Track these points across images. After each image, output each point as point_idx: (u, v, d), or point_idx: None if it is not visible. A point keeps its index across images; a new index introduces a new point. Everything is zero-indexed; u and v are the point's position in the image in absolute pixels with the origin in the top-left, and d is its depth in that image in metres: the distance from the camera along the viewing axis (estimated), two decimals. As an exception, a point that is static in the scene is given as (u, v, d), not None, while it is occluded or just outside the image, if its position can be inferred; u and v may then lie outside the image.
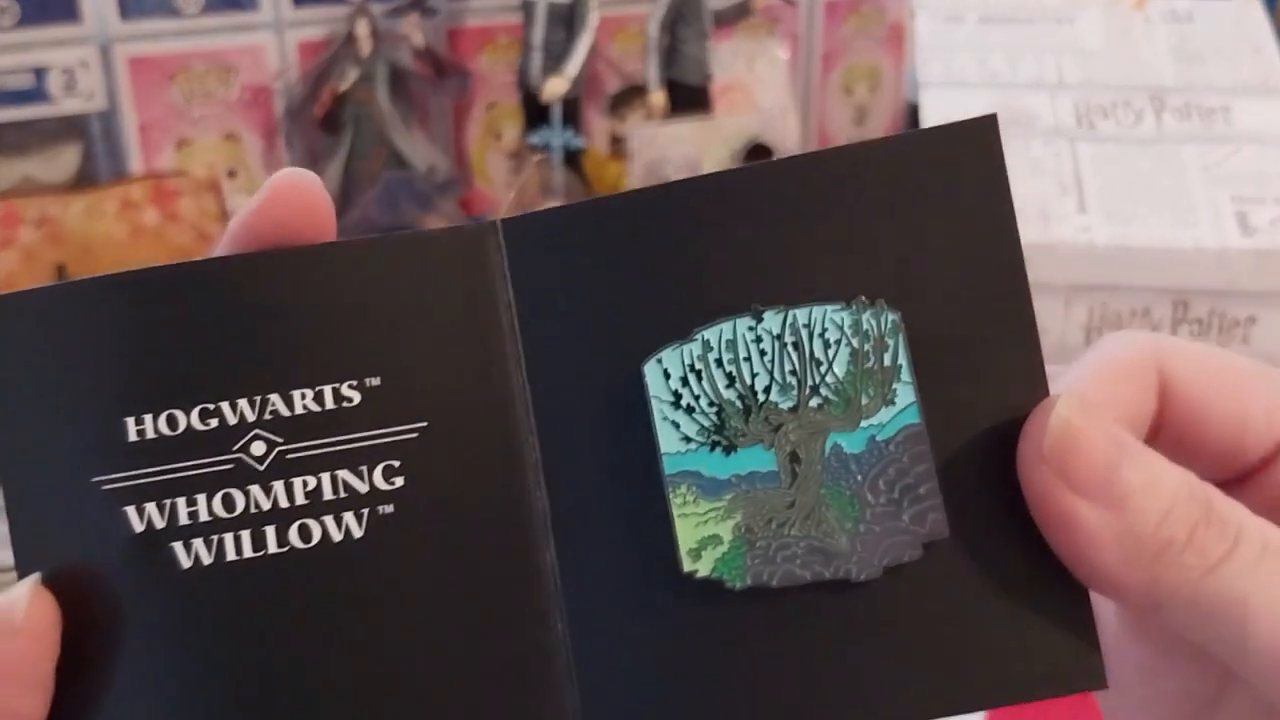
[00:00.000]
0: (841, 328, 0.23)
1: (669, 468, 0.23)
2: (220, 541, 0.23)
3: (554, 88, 0.87)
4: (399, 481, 0.23)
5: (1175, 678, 0.26)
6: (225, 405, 0.23)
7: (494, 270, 0.24)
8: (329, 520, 0.23)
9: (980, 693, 0.23)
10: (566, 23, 0.87)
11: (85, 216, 0.81)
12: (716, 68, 0.91)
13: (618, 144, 0.94)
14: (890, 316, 0.23)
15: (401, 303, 0.24)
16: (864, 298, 0.23)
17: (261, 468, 0.23)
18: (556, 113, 0.88)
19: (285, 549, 0.23)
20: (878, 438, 0.23)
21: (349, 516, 0.23)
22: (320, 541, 0.23)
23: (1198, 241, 0.67)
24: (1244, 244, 0.67)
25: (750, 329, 0.23)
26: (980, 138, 0.23)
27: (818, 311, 0.23)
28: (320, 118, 0.87)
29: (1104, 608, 0.25)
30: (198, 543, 0.23)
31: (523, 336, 0.24)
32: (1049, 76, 0.76)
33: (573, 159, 0.90)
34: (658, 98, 0.90)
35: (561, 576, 0.23)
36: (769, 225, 0.24)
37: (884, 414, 0.23)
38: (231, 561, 0.23)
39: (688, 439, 0.23)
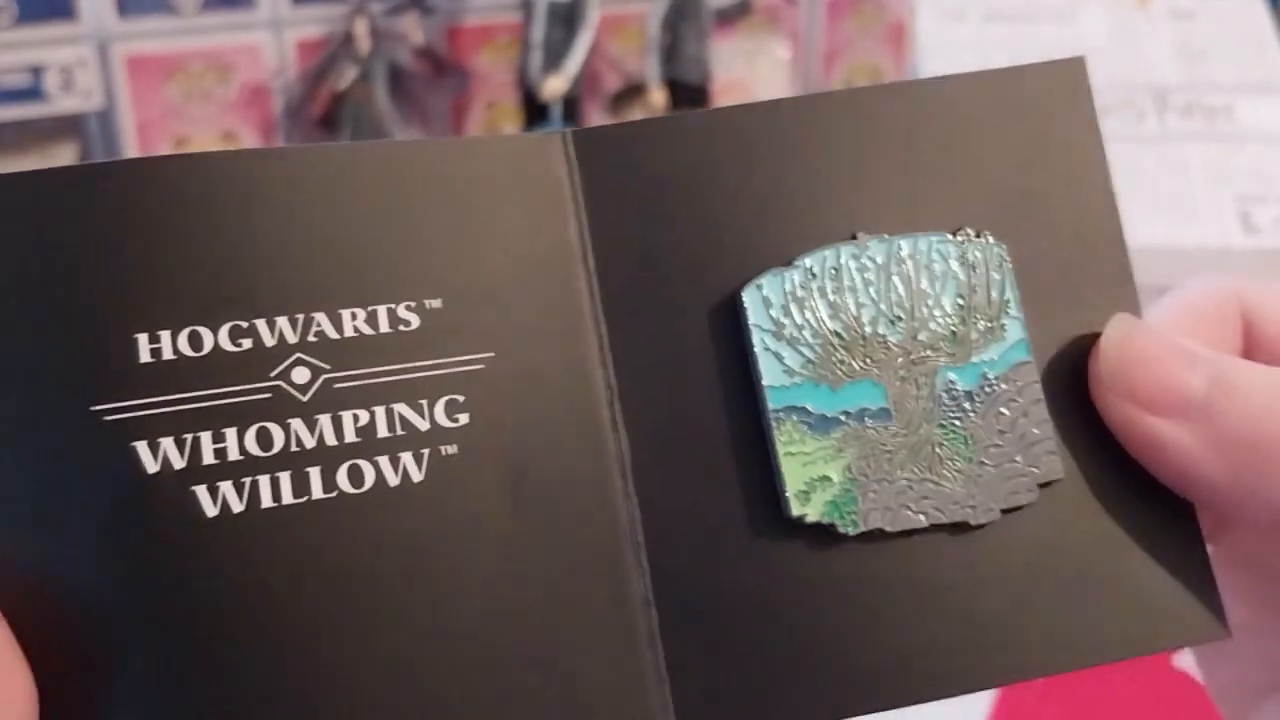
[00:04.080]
0: (947, 259, 0.22)
1: (773, 402, 0.21)
2: (254, 485, 0.19)
3: (553, 86, 0.87)
4: (463, 419, 0.20)
5: (1274, 638, 0.25)
6: (261, 323, 0.19)
7: (563, 184, 0.22)
8: (384, 461, 0.20)
9: (1101, 647, 0.22)
10: (566, 21, 0.87)
11: (82, 215, 0.81)
12: (717, 66, 0.91)
13: (618, 143, 0.94)
14: (997, 249, 0.22)
15: (462, 215, 0.21)
16: (970, 229, 0.22)
17: (305, 398, 0.20)
18: (556, 111, 0.88)
19: (333, 494, 0.19)
20: (989, 374, 0.22)
21: (407, 457, 0.20)
22: (374, 486, 0.20)
23: (1200, 240, 0.67)
24: (1247, 243, 0.67)
25: (854, 257, 0.22)
26: (1071, 76, 0.23)
27: (923, 242, 0.22)
28: (318, 117, 0.87)
29: None
30: (226, 486, 0.19)
31: (596, 257, 0.22)
32: (1051, 75, 0.76)
33: (572, 158, 0.90)
34: (658, 96, 0.89)
35: (643, 525, 0.21)
36: (867, 150, 0.22)
37: (994, 349, 0.22)
38: (268, 509, 0.19)
39: (791, 372, 0.21)
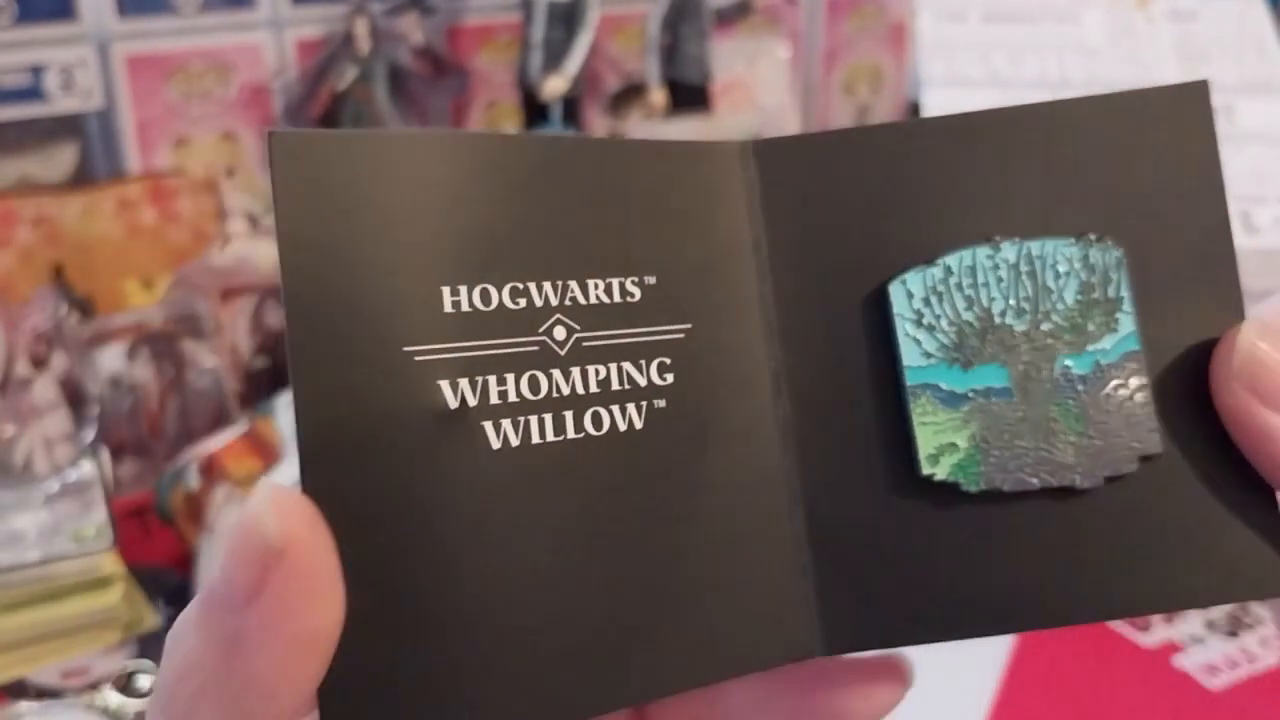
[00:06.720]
0: (1071, 261, 0.25)
1: (911, 379, 0.25)
2: (526, 423, 0.23)
3: (554, 86, 0.87)
4: (669, 378, 0.24)
5: None
6: (533, 286, 0.23)
7: (744, 185, 0.26)
8: (616, 410, 0.24)
9: (1186, 594, 0.25)
10: (566, 21, 0.87)
11: (83, 216, 0.80)
12: (717, 66, 0.91)
13: (618, 143, 0.94)
14: (1115, 253, 0.25)
15: (670, 206, 0.25)
16: (1092, 235, 0.26)
17: (562, 353, 0.23)
18: (556, 111, 0.88)
19: (580, 435, 0.23)
20: (1101, 361, 0.25)
21: (631, 408, 0.24)
22: (609, 430, 0.23)
23: (1201, 241, 0.67)
24: (1247, 243, 0.67)
25: (989, 257, 0.25)
26: (1195, 100, 0.26)
27: (1050, 245, 0.25)
28: (318, 116, 0.87)
29: None
30: (506, 423, 0.22)
31: (770, 250, 0.26)
32: (1052, 75, 0.76)
33: (573, 158, 0.90)
34: (658, 96, 0.89)
35: (800, 477, 0.25)
36: (1006, 163, 0.26)
37: (1108, 340, 0.25)
38: (536, 444, 0.23)
39: (928, 354, 0.25)
